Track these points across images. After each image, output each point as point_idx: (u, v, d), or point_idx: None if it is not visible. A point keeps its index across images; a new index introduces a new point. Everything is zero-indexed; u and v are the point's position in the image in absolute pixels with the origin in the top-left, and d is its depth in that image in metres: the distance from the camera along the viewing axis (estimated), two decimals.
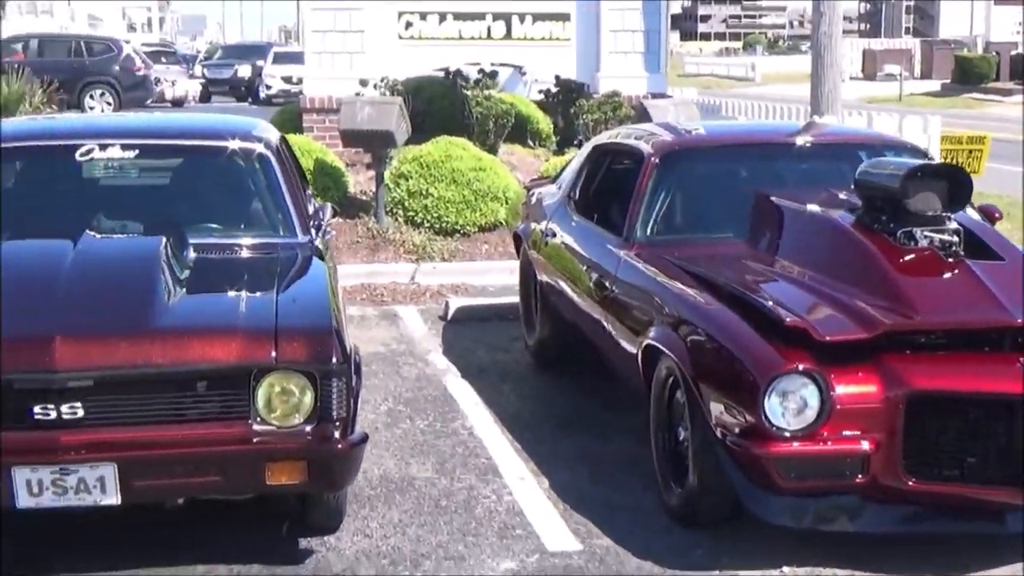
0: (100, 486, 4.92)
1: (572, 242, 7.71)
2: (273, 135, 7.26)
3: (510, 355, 9.00)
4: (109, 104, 31.51)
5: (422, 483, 6.39)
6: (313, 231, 6.64)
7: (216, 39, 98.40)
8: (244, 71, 43.26)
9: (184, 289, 5.51)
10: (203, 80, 43.17)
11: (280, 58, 41.09)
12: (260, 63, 42.07)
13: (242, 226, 6.63)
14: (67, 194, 6.75)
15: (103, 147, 6.66)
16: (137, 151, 6.74)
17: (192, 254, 6.01)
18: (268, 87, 39.75)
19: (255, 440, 5.02)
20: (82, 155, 6.64)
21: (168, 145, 6.99)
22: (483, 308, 10.29)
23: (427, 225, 12.12)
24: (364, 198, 12.69)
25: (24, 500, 4.91)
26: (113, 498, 4.96)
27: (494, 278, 11.36)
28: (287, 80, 38.54)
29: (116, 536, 5.52)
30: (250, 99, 41.38)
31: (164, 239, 5.80)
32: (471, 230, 12.15)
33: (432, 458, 6.78)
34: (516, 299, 9.50)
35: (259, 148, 6.82)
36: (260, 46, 49.32)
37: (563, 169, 9.14)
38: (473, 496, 6.23)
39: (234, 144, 6.82)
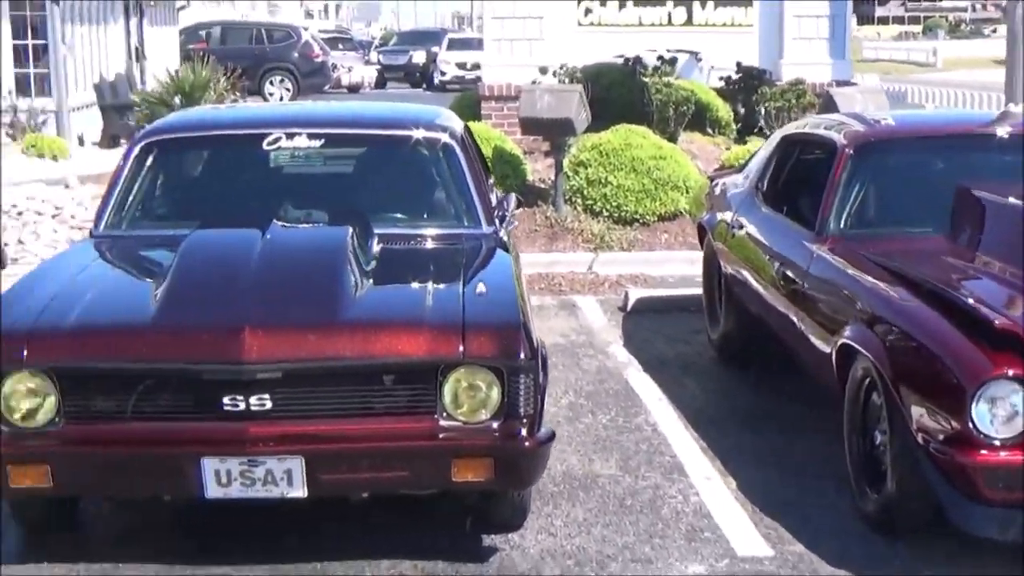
0: (287, 478, 4.90)
1: (760, 234, 7.50)
2: (457, 124, 7.20)
3: (692, 348, 8.81)
4: (288, 90, 32.05)
5: (606, 481, 6.26)
6: (497, 221, 6.56)
7: (390, 25, 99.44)
8: (419, 57, 43.60)
9: (371, 280, 5.47)
10: (379, 66, 43.59)
11: (454, 44, 41.37)
12: (435, 49, 42.39)
13: (425, 216, 6.58)
14: (254, 183, 6.78)
15: (290, 136, 6.66)
16: (323, 140, 6.73)
17: (377, 244, 5.97)
18: (443, 73, 39.99)
19: (441, 436, 4.95)
20: (269, 144, 6.65)
21: (354, 134, 6.96)
22: (663, 299, 10.12)
23: (606, 214, 11.99)
24: (542, 186, 12.60)
25: (213, 490, 4.91)
26: (300, 491, 4.93)
27: (673, 268, 11.19)
28: (461, 66, 38.80)
29: (301, 529, 5.50)
30: (424, 85, 41.69)
31: (351, 229, 5.78)
32: (650, 219, 11.99)
33: (616, 455, 6.65)
34: (697, 290, 9.31)
35: (444, 138, 6.76)
36: (435, 32, 49.70)
37: (749, 159, 8.92)
38: (659, 496, 6.08)
39: (419, 133, 6.77)
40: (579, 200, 12.08)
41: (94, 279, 5.63)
